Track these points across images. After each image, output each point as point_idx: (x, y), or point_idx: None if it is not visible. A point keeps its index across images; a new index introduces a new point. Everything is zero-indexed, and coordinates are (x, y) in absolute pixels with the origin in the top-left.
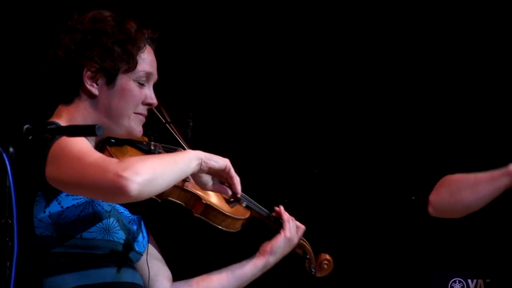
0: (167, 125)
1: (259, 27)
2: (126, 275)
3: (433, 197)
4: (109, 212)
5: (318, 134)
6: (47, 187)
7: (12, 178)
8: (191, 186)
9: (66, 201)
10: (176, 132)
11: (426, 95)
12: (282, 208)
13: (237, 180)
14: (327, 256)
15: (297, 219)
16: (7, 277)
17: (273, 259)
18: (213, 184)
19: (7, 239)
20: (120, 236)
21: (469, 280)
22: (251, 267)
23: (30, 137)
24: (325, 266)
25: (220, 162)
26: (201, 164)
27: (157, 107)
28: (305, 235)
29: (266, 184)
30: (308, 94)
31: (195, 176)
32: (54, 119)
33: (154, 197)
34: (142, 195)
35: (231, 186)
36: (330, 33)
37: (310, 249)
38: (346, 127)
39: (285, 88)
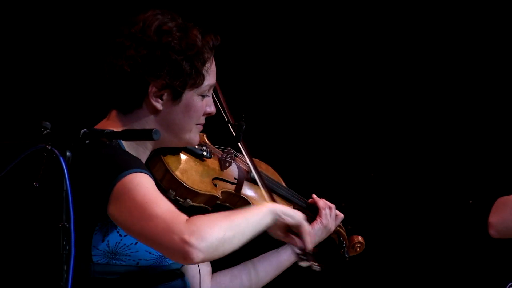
0: (229, 125)
1: (314, 29)
2: (180, 286)
3: (494, 219)
4: None
5: (376, 138)
6: (107, 218)
7: (69, 182)
8: (241, 190)
9: None
10: (233, 131)
11: (485, 99)
12: (316, 197)
13: (309, 237)
14: (360, 239)
15: (355, 222)
16: (64, 281)
17: None
18: (286, 235)
19: (64, 243)
20: None
21: None
22: (288, 256)
23: (87, 141)
24: (358, 249)
25: (296, 218)
26: (277, 219)
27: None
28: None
29: (324, 187)
30: (365, 97)
31: (269, 228)
32: (110, 127)
33: (203, 205)
34: (206, 260)
35: (302, 241)
36: (393, 36)
37: (346, 235)
38: (403, 131)
39: (342, 91)
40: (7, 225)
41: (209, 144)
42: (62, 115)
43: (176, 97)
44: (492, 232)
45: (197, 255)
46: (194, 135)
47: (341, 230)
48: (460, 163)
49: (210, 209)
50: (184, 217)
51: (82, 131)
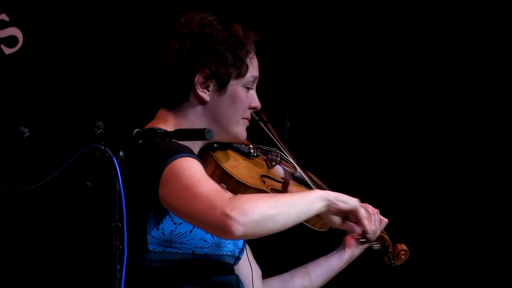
0: (262, 124)
1: (356, 26)
2: (234, 282)
3: None
4: None
5: (430, 137)
6: (159, 205)
7: (122, 182)
8: (288, 188)
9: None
10: (273, 132)
11: None
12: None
13: (367, 220)
14: (404, 246)
15: (408, 222)
16: (117, 281)
17: (358, 251)
18: (342, 222)
19: (118, 243)
20: (229, 248)
21: None
22: (338, 261)
23: (140, 141)
24: (403, 256)
25: (350, 203)
26: (330, 205)
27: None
28: (413, 236)
29: (377, 187)
30: (418, 96)
31: (323, 215)
32: (159, 124)
33: None
34: (247, 236)
35: (360, 225)
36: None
37: (390, 241)
38: (458, 130)
39: (393, 89)
40: (60, 225)
41: (257, 146)
42: (115, 115)
43: (222, 87)
44: None
45: (237, 228)
46: (241, 129)
47: (385, 236)
48: None
49: None
50: (228, 194)
51: (135, 131)
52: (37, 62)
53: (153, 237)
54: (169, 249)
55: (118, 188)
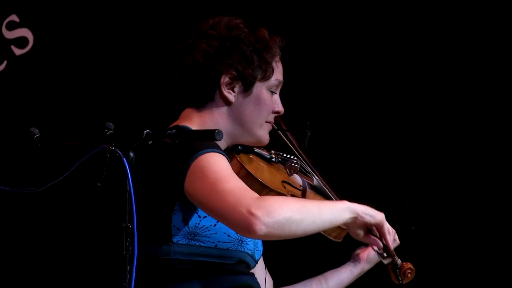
0: (284, 133)
1: (378, 37)
2: (251, 281)
3: None
4: None
5: (441, 138)
6: (185, 198)
7: (132, 183)
8: (306, 196)
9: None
10: (293, 141)
11: None
12: None
13: (390, 236)
14: (410, 265)
15: (418, 223)
16: (127, 282)
17: (368, 267)
18: (365, 235)
19: (128, 244)
20: (249, 247)
21: None
22: (348, 274)
23: (150, 142)
24: (409, 274)
25: (377, 217)
26: (356, 218)
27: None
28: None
29: (387, 189)
30: (428, 97)
31: (349, 226)
32: (184, 123)
33: None
34: (269, 237)
35: (383, 241)
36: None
37: (398, 259)
38: (469, 131)
39: (403, 91)
40: (70, 226)
41: (278, 153)
42: (125, 116)
43: (247, 88)
44: None
45: (260, 227)
46: (264, 133)
47: (394, 253)
48: None
49: None
50: (255, 194)
51: (145, 131)
52: (47, 63)
53: (177, 229)
54: (193, 242)
55: (128, 189)
